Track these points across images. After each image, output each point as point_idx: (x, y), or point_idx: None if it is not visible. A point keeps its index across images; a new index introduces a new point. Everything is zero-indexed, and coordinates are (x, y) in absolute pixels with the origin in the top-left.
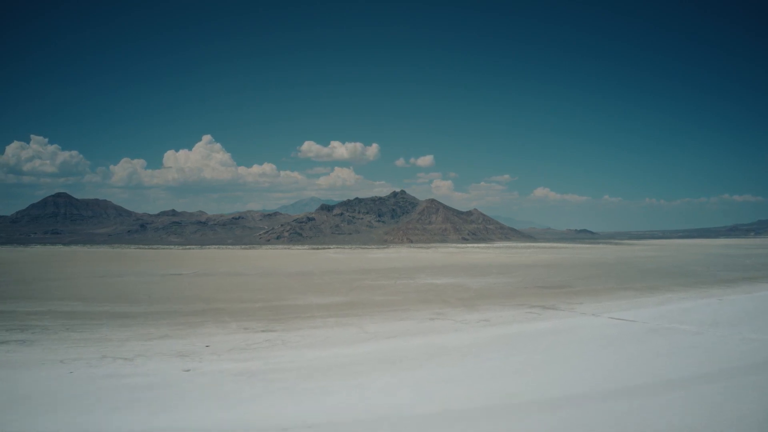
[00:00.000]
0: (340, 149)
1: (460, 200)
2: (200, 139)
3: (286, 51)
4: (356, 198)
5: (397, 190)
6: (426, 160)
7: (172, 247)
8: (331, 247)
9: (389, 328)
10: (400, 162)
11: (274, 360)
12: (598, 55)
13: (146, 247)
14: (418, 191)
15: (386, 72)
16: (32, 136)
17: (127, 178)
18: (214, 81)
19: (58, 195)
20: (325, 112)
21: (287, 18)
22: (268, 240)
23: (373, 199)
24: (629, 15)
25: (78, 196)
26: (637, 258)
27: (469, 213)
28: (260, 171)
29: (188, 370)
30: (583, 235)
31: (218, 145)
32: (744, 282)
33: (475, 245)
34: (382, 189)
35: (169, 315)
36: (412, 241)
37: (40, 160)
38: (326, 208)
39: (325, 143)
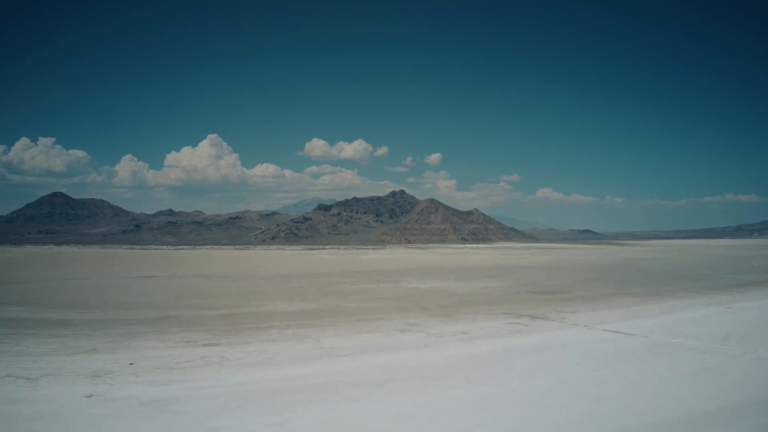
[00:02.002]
0: (346, 149)
1: (464, 200)
2: (203, 139)
3: (289, 51)
4: (354, 198)
5: (397, 189)
6: (433, 160)
7: (165, 247)
8: (327, 247)
9: (350, 342)
10: (407, 161)
11: (196, 384)
12: (601, 56)
13: (138, 247)
14: (423, 191)
15: (391, 72)
16: (39, 137)
17: (132, 178)
18: (219, 81)
19: (54, 195)
20: (330, 112)
21: (292, 18)
22: (264, 240)
23: (372, 199)
24: (630, 15)
25: (83, 195)
26: (639, 260)
27: (469, 213)
28: (264, 171)
29: (90, 396)
30: (586, 236)
31: (223, 145)
32: (753, 287)
33: (474, 246)
34: (388, 189)
35: (113, 324)
36: (410, 242)
37: (45, 159)
38: (323, 207)
39: (330, 143)
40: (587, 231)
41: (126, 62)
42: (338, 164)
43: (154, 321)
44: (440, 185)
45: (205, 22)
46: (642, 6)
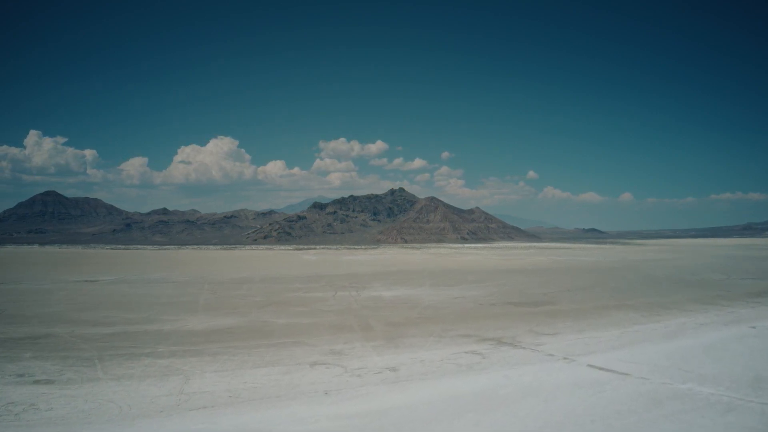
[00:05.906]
0: (359, 147)
1: (473, 198)
2: (211, 139)
3: (303, 50)
4: (351, 195)
5: (395, 187)
6: (446, 158)
7: (149, 247)
8: (317, 247)
9: (227, 384)
10: (422, 159)
11: None
12: (606, 58)
13: (122, 247)
14: (434, 189)
15: (407, 73)
16: (48, 136)
17: (139, 176)
18: (229, 79)
19: (47, 193)
20: (344, 111)
21: (302, 17)
22: (255, 240)
23: (369, 197)
24: (633, 18)
25: (90, 194)
26: (644, 262)
27: (471, 211)
28: (274, 169)
29: None
30: (591, 235)
31: (233, 143)
32: None
33: (472, 245)
34: (399, 188)
35: None
36: (406, 241)
37: (53, 157)
38: (318, 206)
39: (340, 143)
40: (593, 230)
41: (135, 60)
42: (352, 162)
43: (18, 341)
44: (451, 184)
45: (211, 20)
46: (646, 8)
